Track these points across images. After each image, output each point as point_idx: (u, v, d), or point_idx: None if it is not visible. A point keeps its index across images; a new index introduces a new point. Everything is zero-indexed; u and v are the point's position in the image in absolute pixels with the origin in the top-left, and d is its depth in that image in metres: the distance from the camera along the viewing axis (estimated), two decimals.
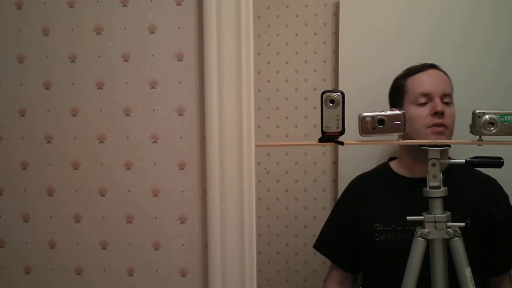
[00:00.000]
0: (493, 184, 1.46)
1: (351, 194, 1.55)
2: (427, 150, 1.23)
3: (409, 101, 1.42)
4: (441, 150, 1.22)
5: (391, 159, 1.58)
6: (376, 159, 1.62)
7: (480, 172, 1.47)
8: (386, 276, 1.41)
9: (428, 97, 1.39)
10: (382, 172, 1.55)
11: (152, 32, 0.82)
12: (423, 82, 1.42)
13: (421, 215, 1.23)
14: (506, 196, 1.44)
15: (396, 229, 1.40)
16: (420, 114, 1.38)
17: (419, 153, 1.37)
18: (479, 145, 1.10)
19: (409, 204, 1.34)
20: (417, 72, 1.44)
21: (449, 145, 1.35)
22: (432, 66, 1.45)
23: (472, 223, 1.35)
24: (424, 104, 1.39)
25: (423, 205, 1.26)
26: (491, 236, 1.38)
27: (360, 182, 1.56)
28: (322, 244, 1.56)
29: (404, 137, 1.37)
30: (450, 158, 1.33)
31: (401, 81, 1.47)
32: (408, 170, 1.48)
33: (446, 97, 1.40)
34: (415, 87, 1.42)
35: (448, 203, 1.24)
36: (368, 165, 1.61)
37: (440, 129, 1.37)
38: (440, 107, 1.36)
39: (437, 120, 1.37)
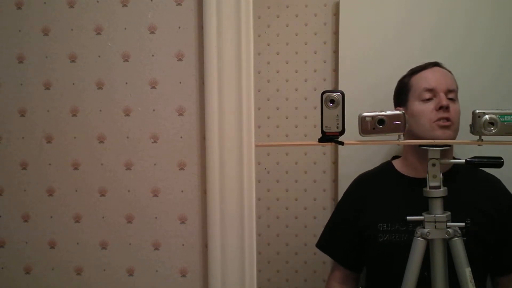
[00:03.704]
0: (496, 183, 1.45)
1: (354, 193, 1.54)
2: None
3: (414, 97, 1.42)
4: (445, 149, 1.22)
5: (394, 157, 1.57)
6: (376, 159, 1.62)
7: (484, 171, 1.47)
8: (389, 276, 1.40)
9: (433, 92, 1.39)
10: (385, 171, 1.54)
11: (152, 32, 0.82)
12: (428, 78, 1.43)
13: (421, 215, 1.23)
14: (510, 197, 1.43)
15: (399, 229, 1.39)
16: (425, 109, 1.39)
17: (425, 152, 1.34)
18: (479, 145, 1.10)
19: (414, 205, 1.32)
20: (421, 70, 1.45)
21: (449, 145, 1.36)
22: (436, 64, 1.46)
23: (472, 223, 1.35)
24: (429, 99, 1.39)
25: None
26: (493, 236, 1.38)
27: (364, 181, 1.55)
28: (325, 243, 1.55)
29: (410, 133, 1.37)
30: (454, 158, 1.32)
31: (406, 79, 1.48)
32: (413, 169, 1.47)
33: (451, 93, 1.40)
34: (419, 83, 1.43)
35: (449, 203, 1.24)
36: (368, 165, 1.61)
37: (446, 123, 1.36)
38: (445, 101, 1.37)
39: (442, 114, 1.36)
